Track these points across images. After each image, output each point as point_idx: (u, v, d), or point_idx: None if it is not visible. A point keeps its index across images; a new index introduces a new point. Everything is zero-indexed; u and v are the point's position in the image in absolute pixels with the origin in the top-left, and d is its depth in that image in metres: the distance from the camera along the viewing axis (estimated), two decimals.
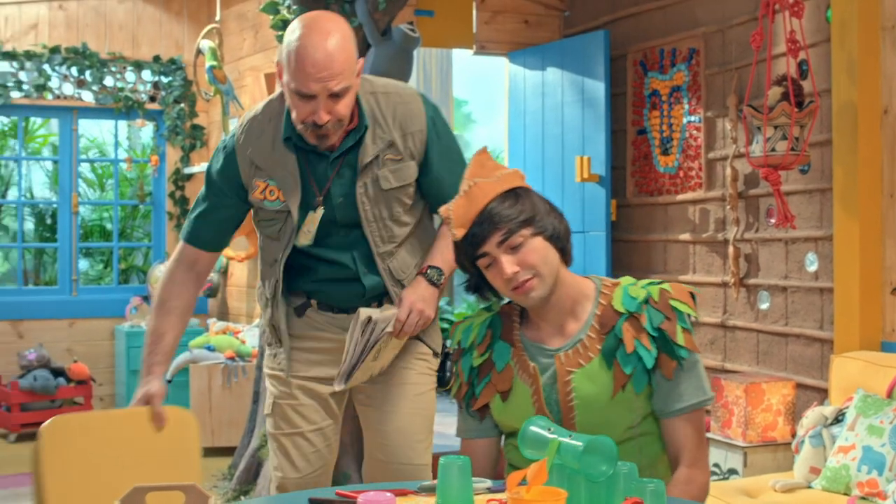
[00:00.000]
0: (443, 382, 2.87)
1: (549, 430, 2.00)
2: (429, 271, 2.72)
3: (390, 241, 2.73)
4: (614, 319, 2.32)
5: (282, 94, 2.69)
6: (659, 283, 2.36)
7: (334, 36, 2.53)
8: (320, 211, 2.69)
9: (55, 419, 2.56)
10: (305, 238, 2.70)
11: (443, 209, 2.35)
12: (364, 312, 2.62)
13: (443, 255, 2.73)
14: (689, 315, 2.33)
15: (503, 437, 2.50)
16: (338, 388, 2.66)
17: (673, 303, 2.31)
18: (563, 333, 2.36)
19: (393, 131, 2.69)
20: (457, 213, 2.30)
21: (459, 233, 2.30)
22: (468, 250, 2.31)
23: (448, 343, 2.75)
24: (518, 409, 2.34)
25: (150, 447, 2.64)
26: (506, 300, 2.41)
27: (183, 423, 2.68)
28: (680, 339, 2.29)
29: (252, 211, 2.78)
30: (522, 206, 2.28)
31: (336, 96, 2.53)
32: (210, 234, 2.80)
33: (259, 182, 2.69)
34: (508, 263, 2.27)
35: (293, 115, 2.59)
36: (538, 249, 2.29)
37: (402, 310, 2.67)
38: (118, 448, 2.62)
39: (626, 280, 2.40)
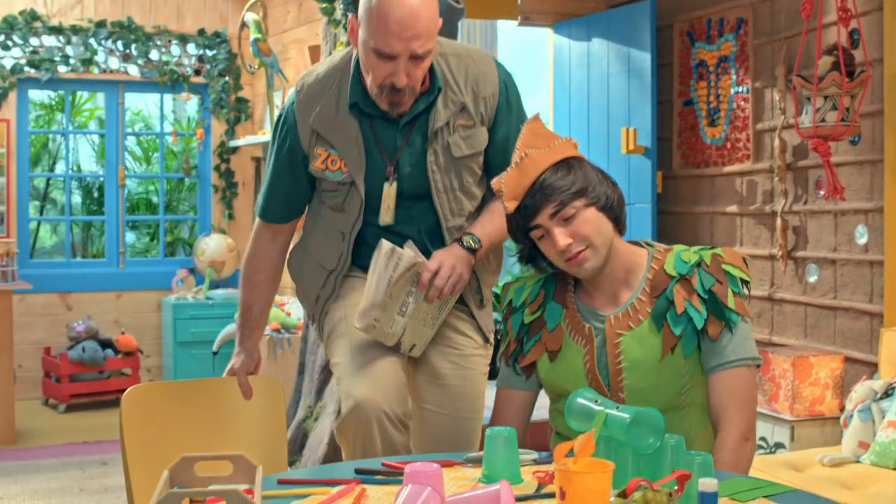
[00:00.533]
0: (493, 374, 2.78)
1: (596, 401, 2.00)
2: (464, 237, 2.57)
3: (459, 215, 2.61)
4: (666, 282, 2.31)
5: (347, 58, 2.58)
6: (712, 248, 2.35)
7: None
8: (395, 184, 2.55)
9: (134, 388, 2.62)
10: (388, 215, 2.57)
11: (494, 181, 2.34)
12: (387, 243, 2.47)
13: (483, 227, 2.61)
14: (741, 280, 2.31)
15: (549, 404, 2.50)
16: (357, 325, 2.48)
17: (725, 267, 2.30)
18: (615, 303, 2.35)
19: (465, 95, 2.56)
20: (508, 186, 2.29)
21: (511, 205, 2.29)
22: (520, 222, 2.30)
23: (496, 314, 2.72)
24: (567, 371, 2.34)
25: (238, 415, 2.73)
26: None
27: (270, 391, 2.75)
28: (731, 302, 2.27)
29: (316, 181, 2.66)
30: (575, 177, 2.27)
31: (418, 58, 2.40)
32: (280, 208, 2.71)
33: (320, 151, 2.56)
34: (561, 235, 2.26)
35: (369, 77, 2.45)
36: (591, 220, 2.28)
37: (431, 261, 2.50)
38: (208, 415, 2.71)
39: (679, 247, 2.39)
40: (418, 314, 2.54)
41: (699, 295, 2.28)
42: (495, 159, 2.62)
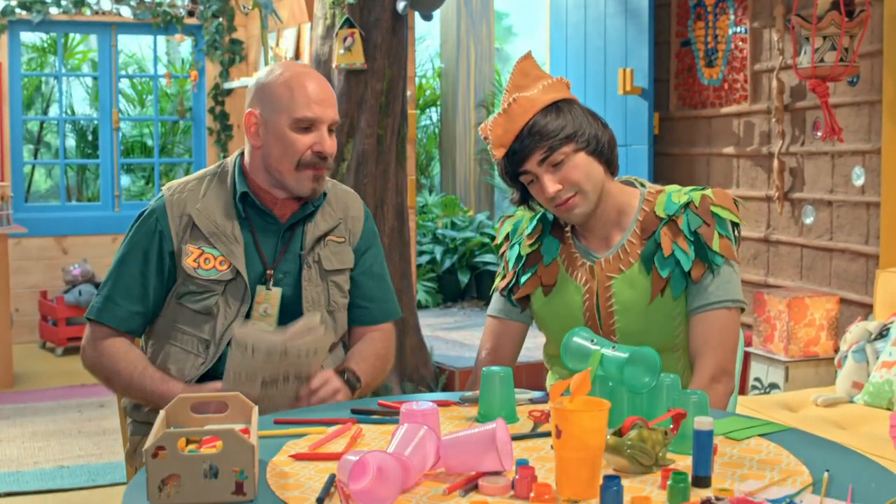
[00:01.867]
0: None
1: (592, 341, 2.00)
2: (347, 373, 2.36)
3: None
4: (655, 224, 2.30)
5: (218, 165, 2.47)
6: (702, 189, 2.33)
7: (317, 73, 2.41)
8: (276, 291, 2.38)
9: None
10: (268, 323, 2.36)
11: (481, 128, 2.32)
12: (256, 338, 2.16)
13: (364, 368, 2.42)
14: (731, 222, 2.29)
15: (543, 346, 2.50)
16: (240, 329, 2.21)
17: (714, 209, 2.28)
18: (607, 245, 2.35)
19: (337, 212, 2.50)
20: (495, 133, 2.26)
21: (499, 153, 2.27)
22: (509, 168, 2.28)
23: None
24: (563, 307, 2.35)
25: None
26: None
27: None
28: (716, 245, 2.25)
29: (175, 286, 2.39)
30: (564, 121, 2.24)
31: (331, 132, 2.38)
32: (128, 308, 2.40)
33: (192, 248, 2.36)
34: (550, 182, 2.24)
35: (284, 163, 2.34)
36: (580, 166, 2.25)
37: (317, 378, 2.24)
38: None
39: (671, 187, 2.37)
40: (274, 391, 2.24)
41: (685, 236, 2.27)
42: (365, 283, 2.53)
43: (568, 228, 2.40)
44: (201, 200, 2.40)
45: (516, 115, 2.24)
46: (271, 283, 2.39)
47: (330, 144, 2.37)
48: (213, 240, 2.37)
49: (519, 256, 2.43)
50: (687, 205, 2.29)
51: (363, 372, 2.41)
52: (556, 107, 2.26)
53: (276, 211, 2.42)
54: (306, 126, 2.34)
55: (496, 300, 2.49)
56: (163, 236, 2.39)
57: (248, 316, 2.38)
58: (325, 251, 2.45)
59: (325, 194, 2.46)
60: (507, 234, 2.49)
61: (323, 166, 2.37)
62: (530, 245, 2.41)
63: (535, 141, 2.22)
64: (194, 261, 2.35)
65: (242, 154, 2.46)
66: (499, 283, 2.48)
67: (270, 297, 2.38)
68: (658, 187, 2.38)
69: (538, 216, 2.44)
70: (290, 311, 2.39)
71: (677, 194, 2.32)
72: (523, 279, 2.41)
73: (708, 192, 2.31)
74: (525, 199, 2.37)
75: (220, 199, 2.41)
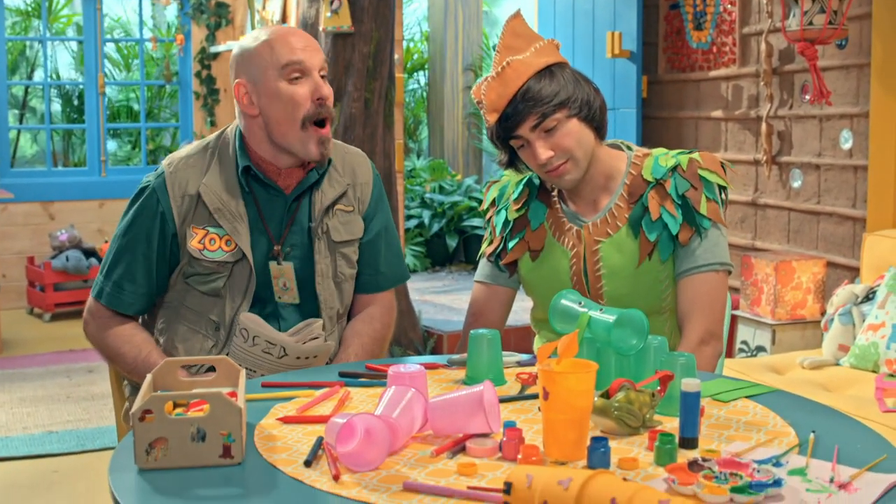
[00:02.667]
0: None
1: (580, 303, 2.00)
2: None
3: (329, 307, 2.40)
4: (642, 188, 2.30)
5: (218, 135, 2.39)
6: (690, 152, 2.32)
7: (296, 28, 2.29)
8: (289, 265, 2.34)
9: None
10: (290, 297, 2.35)
11: (474, 91, 2.31)
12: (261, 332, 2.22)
13: (364, 349, 2.41)
14: (718, 186, 2.29)
15: (531, 310, 2.50)
16: (245, 317, 2.28)
17: (701, 172, 2.28)
18: (595, 209, 2.35)
19: (345, 178, 2.42)
20: (489, 98, 2.25)
21: (492, 117, 2.26)
22: (501, 133, 2.27)
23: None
24: (551, 272, 2.35)
25: None
26: None
27: None
28: (703, 208, 2.26)
29: (180, 266, 2.34)
30: (558, 86, 2.23)
31: (323, 78, 2.27)
32: (133, 291, 2.36)
33: (197, 229, 2.30)
34: (542, 148, 2.23)
35: (287, 116, 2.25)
36: (573, 132, 2.24)
37: None
38: None
39: (658, 150, 2.36)
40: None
41: (673, 200, 2.27)
42: (371, 251, 2.47)
43: (555, 193, 2.40)
44: (206, 176, 2.32)
45: (510, 79, 2.23)
46: (281, 258, 2.34)
47: (328, 89, 2.28)
48: (217, 216, 2.29)
49: (506, 222, 2.43)
50: (674, 168, 2.29)
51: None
52: (550, 71, 2.25)
53: (281, 182, 2.35)
54: (297, 74, 2.24)
55: (483, 266, 2.49)
56: (164, 218, 2.32)
57: (269, 293, 2.34)
58: (334, 221, 2.38)
59: (330, 160, 2.38)
60: (494, 199, 2.48)
61: (326, 115, 2.27)
62: (517, 210, 2.41)
63: (529, 107, 2.21)
64: (199, 242, 2.29)
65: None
66: (486, 248, 2.48)
67: (285, 272, 2.34)
68: (645, 150, 2.38)
69: (524, 180, 2.43)
70: (302, 284, 2.36)
71: (664, 157, 2.32)
72: (511, 244, 2.40)
73: (695, 155, 2.31)
74: (513, 161, 2.36)
75: (223, 174, 2.33)
